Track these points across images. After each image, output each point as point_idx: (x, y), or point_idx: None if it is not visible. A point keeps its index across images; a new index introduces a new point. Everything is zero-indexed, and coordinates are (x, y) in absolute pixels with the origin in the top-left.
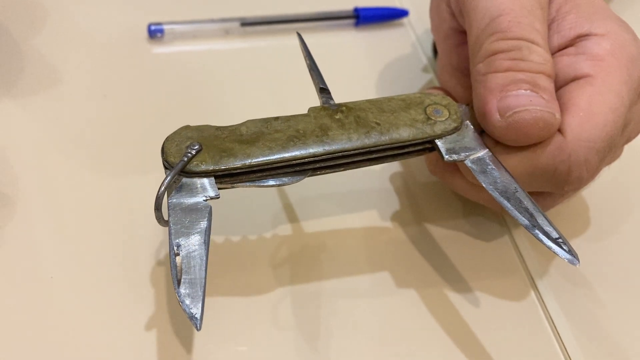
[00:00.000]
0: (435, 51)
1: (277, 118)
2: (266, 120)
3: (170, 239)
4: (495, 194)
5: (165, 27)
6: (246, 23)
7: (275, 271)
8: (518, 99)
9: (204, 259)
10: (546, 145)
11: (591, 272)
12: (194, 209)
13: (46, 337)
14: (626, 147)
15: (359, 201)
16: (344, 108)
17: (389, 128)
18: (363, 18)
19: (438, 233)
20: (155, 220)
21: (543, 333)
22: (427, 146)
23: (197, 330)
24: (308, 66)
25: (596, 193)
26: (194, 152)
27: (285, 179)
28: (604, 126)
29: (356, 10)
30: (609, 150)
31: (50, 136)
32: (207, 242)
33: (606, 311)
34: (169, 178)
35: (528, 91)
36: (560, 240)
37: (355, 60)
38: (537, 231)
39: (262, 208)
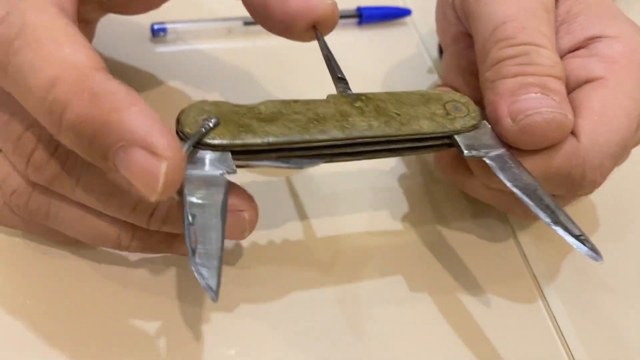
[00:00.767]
0: (441, 51)
1: (296, 101)
2: (285, 102)
3: (185, 209)
4: (516, 191)
5: (168, 26)
6: (249, 22)
7: (283, 273)
8: (529, 102)
9: (220, 231)
10: (560, 149)
11: (597, 275)
12: (210, 181)
13: None
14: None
15: (367, 202)
16: (363, 97)
17: (409, 119)
18: (366, 17)
19: (444, 235)
20: None
21: (548, 335)
22: (445, 142)
23: (214, 301)
24: (325, 57)
25: (603, 195)
26: (211, 124)
27: (302, 162)
28: (618, 130)
29: (359, 9)
30: (623, 154)
31: None
32: (223, 216)
33: (611, 314)
34: (186, 146)
35: (538, 94)
36: (582, 237)
37: (358, 59)
38: (559, 228)
39: (268, 207)
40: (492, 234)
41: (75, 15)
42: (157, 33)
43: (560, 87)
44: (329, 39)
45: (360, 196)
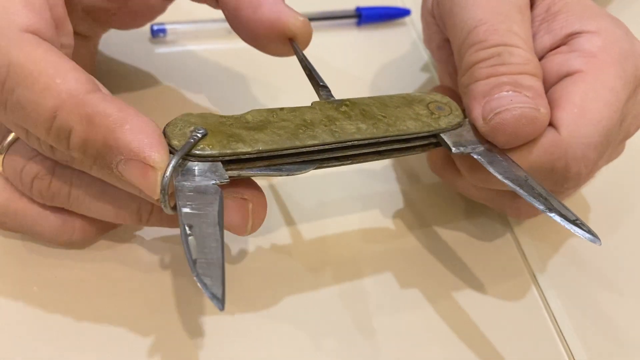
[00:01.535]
0: None
1: (282, 108)
2: (271, 110)
3: (180, 220)
4: (508, 182)
5: (167, 27)
6: None
7: (277, 276)
8: (499, 100)
9: (219, 240)
10: (542, 143)
11: (593, 270)
12: (203, 192)
13: None
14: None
15: (361, 203)
16: (347, 102)
17: (396, 121)
18: (365, 17)
19: (441, 234)
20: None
21: (547, 333)
22: (432, 141)
23: (221, 310)
24: (304, 68)
25: (595, 190)
26: (199, 135)
27: (293, 168)
28: (599, 121)
29: (358, 9)
30: (607, 145)
31: None
32: (221, 224)
33: (608, 308)
34: (174, 160)
35: (510, 92)
36: (578, 221)
37: (357, 59)
38: (554, 214)
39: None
40: (489, 231)
41: (54, 36)
42: (157, 34)
43: (535, 83)
44: (328, 39)
45: (354, 198)
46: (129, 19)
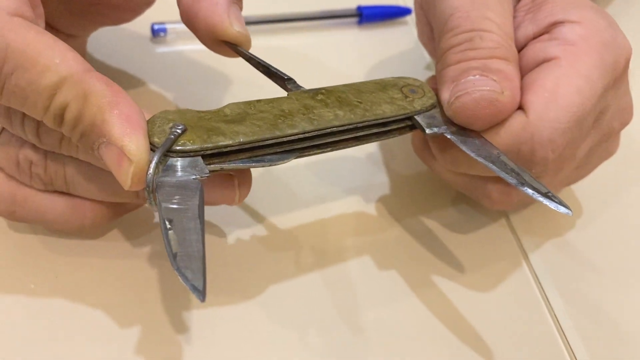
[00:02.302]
0: None
1: (259, 100)
2: (248, 103)
3: (160, 214)
4: (480, 159)
5: (168, 26)
6: (249, 22)
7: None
8: (464, 85)
9: (200, 233)
10: (509, 125)
11: (594, 267)
12: (183, 187)
13: None
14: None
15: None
16: (323, 90)
17: (372, 106)
18: (366, 16)
19: (431, 221)
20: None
21: (546, 329)
22: (407, 123)
23: (202, 301)
24: (257, 66)
25: (596, 188)
26: (179, 131)
27: (274, 158)
28: (569, 107)
29: (359, 8)
30: (579, 133)
31: None
32: (201, 217)
33: (610, 306)
34: (156, 157)
35: (477, 76)
36: (549, 194)
37: (358, 58)
38: (526, 188)
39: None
40: (491, 232)
41: (35, 19)
42: (157, 33)
43: (505, 67)
44: (329, 38)
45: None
46: (111, 12)
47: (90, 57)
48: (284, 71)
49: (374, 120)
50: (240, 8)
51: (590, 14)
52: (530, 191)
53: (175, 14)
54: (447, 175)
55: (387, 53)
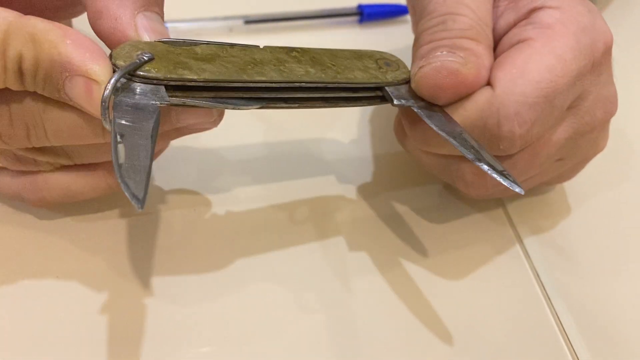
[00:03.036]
0: None
1: (232, 45)
2: (222, 46)
3: (113, 128)
4: (442, 133)
5: (169, 25)
6: (250, 21)
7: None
8: (428, 59)
9: (149, 152)
10: (475, 99)
11: (596, 267)
12: (141, 109)
13: None
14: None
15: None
16: (298, 49)
17: (344, 69)
18: (367, 15)
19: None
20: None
21: (548, 329)
22: (378, 94)
23: (139, 208)
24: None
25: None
26: (145, 58)
27: (239, 103)
28: (537, 82)
29: (360, 7)
30: (550, 110)
31: None
32: (153, 139)
33: (612, 306)
34: (117, 75)
35: (444, 52)
36: (505, 172)
37: None
38: (483, 164)
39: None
40: (492, 233)
41: None
42: None
43: (474, 46)
44: (330, 36)
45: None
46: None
47: None
48: None
49: (345, 83)
50: (159, 12)
51: (569, 0)
52: (486, 167)
53: (176, 12)
54: (421, 156)
55: (388, 52)
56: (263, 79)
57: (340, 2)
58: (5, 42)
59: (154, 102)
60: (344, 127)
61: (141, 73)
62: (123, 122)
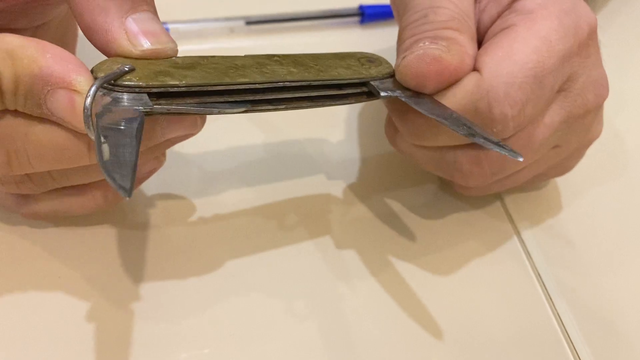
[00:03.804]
0: None
1: (213, 56)
2: (201, 56)
3: (97, 131)
4: (433, 116)
5: (170, 26)
6: (251, 22)
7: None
8: (412, 50)
9: (135, 150)
10: (464, 85)
11: (599, 268)
12: (124, 113)
13: None
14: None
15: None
16: (279, 55)
17: (327, 68)
18: (368, 16)
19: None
20: None
21: (551, 331)
22: (364, 89)
23: (126, 196)
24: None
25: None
26: (126, 69)
27: (223, 107)
28: (525, 63)
29: (361, 7)
30: (540, 90)
31: None
32: (138, 138)
33: (614, 308)
34: (97, 84)
35: (427, 42)
36: (500, 142)
37: None
38: (478, 138)
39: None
40: (495, 235)
41: None
42: None
43: (456, 36)
44: (331, 37)
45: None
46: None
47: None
48: None
49: (329, 80)
50: (148, 9)
51: None
52: (482, 140)
53: (177, 13)
54: (415, 152)
55: (389, 52)
56: (246, 80)
57: (342, 3)
58: None
59: (137, 108)
60: (335, 128)
61: (124, 83)
62: (106, 125)
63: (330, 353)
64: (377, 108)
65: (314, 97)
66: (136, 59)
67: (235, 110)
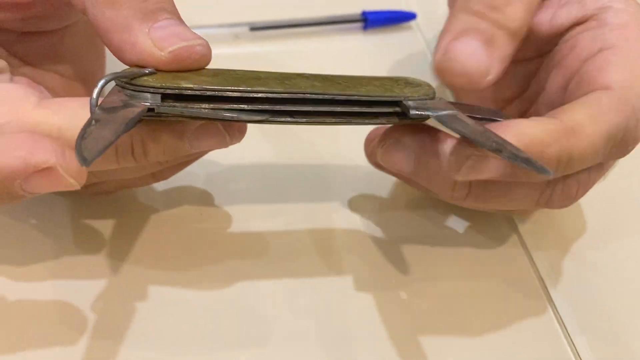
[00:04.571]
0: None
1: (240, 69)
2: (228, 68)
3: (91, 116)
4: (465, 136)
5: None
6: (255, 28)
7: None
8: (456, 47)
9: (115, 135)
10: (606, 103)
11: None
12: (126, 106)
13: None
14: None
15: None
16: (310, 73)
17: (356, 85)
18: (371, 22)
19: (434, 229)
20: None
21: (554, 336)
22: (396, 109)
23: (82, 165)
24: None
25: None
26: (147, 72)
27: (240, 115)
28: None
29: (364, 13)
30: None
31: None
32: (125, 127)
33: (617, 313)
34: (106, 78)
35: (478, 42)
36: (529, 158)
37: (363, 63)
38: (506, 153)
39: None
40: (497, 238)
41: None
42: None
43: (508, 44)
44: (334, 43)
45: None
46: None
47: None
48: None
49: (355, 95)
50: (169, 16)
51: (631, 2)
52: (510, 155)
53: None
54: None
55: (392, 58)
56: (264, 88)
57: (344, 9)
58: None
59: (143, 103)
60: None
61: (139, 82)
62: (103, 113)
63: None
64: None
65: (339, 113)
66: (171, 70)
67: (252, 119)
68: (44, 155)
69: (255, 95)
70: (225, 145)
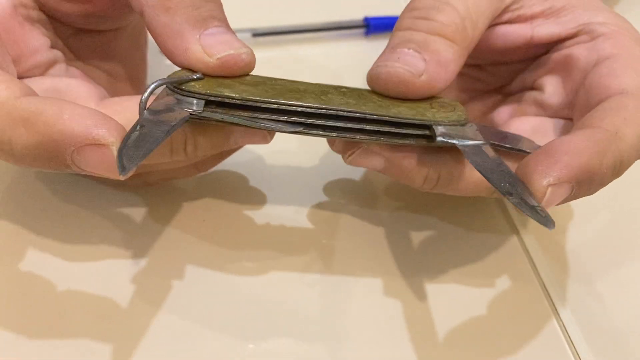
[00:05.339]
0: None
1: (282, 79)
2: (271, 77)
3: (138, 120)
4: (480, 169)
5: None
6: (257, 34)
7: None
8: (391, 55)
9: (159, 140)
10: (636, 110)
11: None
12: (171, 111)
13: None
14: None
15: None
16: (348, 87)
17: (390, 105)
18: (373, 27)
19: (440, 230)
20: None
21: (556, 341)
22: (425, 132)
23: (121, 174)
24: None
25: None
26: (195, 77)
27: (275, 125)
28: None
29: (366, 19)
30: None
31: None
32: (168, 133)
33: (619, 317)
34: (156, 83)
35: (411, 50)
36: (537, 207)
37: (365, 69)
38: (515, 198)
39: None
40: (498, 242)
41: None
42: None
43: (445, 49)
44: (337, 49)
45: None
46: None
47: None
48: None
49: (386, 116)
50: (219, 24)
51: (612, 16)
52: (517, 201)
53: None
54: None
55: None
56: (300, 103)
57: (347, 15)
58: None
59: (187, 109)
60: None
61: (186, 88)
62: (149, 117)
63: None
64: None
65: (369, 131)
66: (218, 76)
67: (289, 129)
68: (106, 132)
69: (290, 108)
70: (267, 142)
